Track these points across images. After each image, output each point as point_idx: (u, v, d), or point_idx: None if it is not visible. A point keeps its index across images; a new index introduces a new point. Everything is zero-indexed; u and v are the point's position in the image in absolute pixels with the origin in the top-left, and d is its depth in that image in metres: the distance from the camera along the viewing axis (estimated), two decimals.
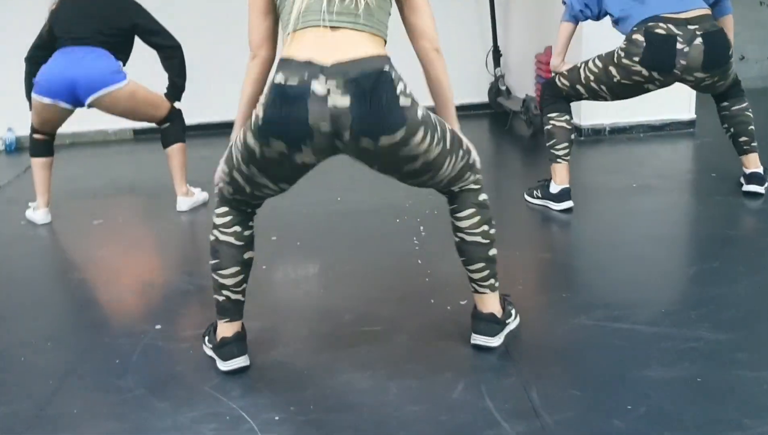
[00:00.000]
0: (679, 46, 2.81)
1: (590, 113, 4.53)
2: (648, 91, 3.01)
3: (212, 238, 1.94)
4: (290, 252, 2.89)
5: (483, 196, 1.95)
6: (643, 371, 1.84)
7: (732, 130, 3.18)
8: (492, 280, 1.99)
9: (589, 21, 3.16)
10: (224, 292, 1.93)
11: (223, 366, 1.95)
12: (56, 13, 3.35)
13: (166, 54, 3.42)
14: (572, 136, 3.17)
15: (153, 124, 3.59)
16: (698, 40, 2.81)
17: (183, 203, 3.53)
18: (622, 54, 2.91)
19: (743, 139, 3.16)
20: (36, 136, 3.45)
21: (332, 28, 1.65)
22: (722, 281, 2.35)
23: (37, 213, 3.47)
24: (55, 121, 3.38)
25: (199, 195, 3.60)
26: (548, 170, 3.20)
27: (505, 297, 2.09)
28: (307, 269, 2.73)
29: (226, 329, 1.96)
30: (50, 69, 3.23)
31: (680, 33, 2.81)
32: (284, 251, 2.89)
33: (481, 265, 1.96)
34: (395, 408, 1.76)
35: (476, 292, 2.01)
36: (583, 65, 3.07)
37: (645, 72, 2.88)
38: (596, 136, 4.54)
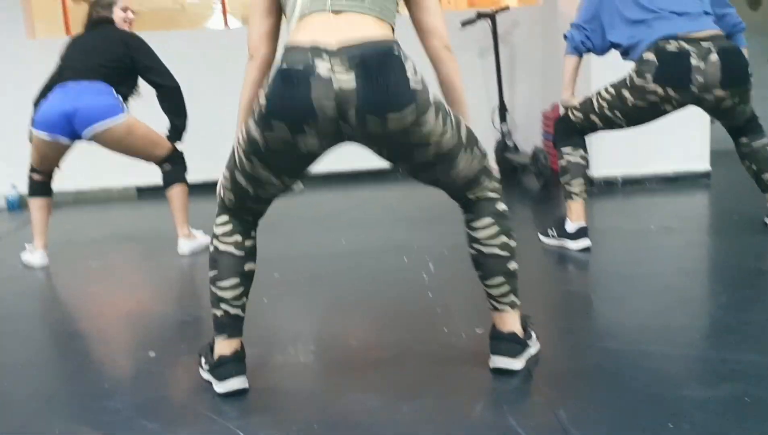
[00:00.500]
0: (693, 62, 2.73)
1: (602, 163, 4.47)
2: (665, 112, 2.89)
3: (212, 248, 1.81)
4: (293, 286, 2.75)
5: (502, 206, 1.82)
6: (681, 391, 1.66)
7: (754, 167, 3.07)
8: (512, 297, 1.84)
9: (596, 56, 3.11)
10: (222, 305, 1.79)
11: (220, 387, 1.78)
12: (64, 52, 3.36)
13: (163, 94, 3.36)
14: (587, 173, 3.07)
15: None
16: (714, 57, 2.74)
17: (184, 245, 3.42)
18: (635, 75, 2.83)
19: (767, 175, 3.05)
20: (34, 176, 3.37)
21: (337, 12, 1.59)
22: (759, 308, 2.19)
23: (34, 255, 3.36)
24: (54, 158, 3.31)
25: (202, 238, 3.48)
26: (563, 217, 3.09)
27: (525, 318, 1.93)
28: (310, 300, 2.58)
29: (224, 347, 1.80)
30: (48, 103, 3.19)
31: (693, 49, 2.74)
32: (287, 286, 2.75)
33: (500, 279, 1.81)
34: (408, 427, 1.58)
35: (495, 309, 1.85)
36: (595, 95, 3.00)
37: (660, 90, 2.79)
38: (609, 187, 4.46)
